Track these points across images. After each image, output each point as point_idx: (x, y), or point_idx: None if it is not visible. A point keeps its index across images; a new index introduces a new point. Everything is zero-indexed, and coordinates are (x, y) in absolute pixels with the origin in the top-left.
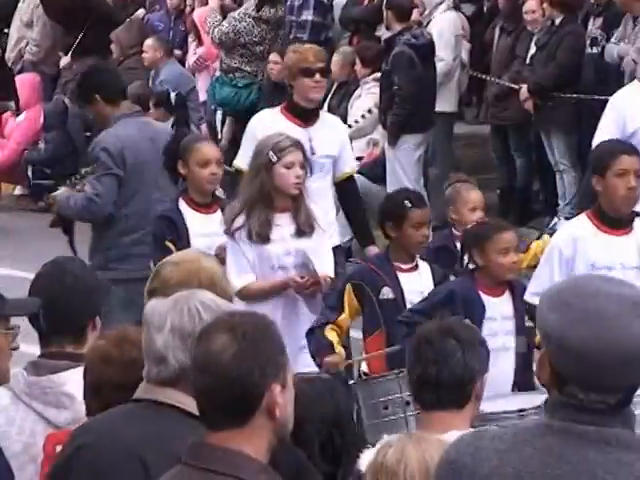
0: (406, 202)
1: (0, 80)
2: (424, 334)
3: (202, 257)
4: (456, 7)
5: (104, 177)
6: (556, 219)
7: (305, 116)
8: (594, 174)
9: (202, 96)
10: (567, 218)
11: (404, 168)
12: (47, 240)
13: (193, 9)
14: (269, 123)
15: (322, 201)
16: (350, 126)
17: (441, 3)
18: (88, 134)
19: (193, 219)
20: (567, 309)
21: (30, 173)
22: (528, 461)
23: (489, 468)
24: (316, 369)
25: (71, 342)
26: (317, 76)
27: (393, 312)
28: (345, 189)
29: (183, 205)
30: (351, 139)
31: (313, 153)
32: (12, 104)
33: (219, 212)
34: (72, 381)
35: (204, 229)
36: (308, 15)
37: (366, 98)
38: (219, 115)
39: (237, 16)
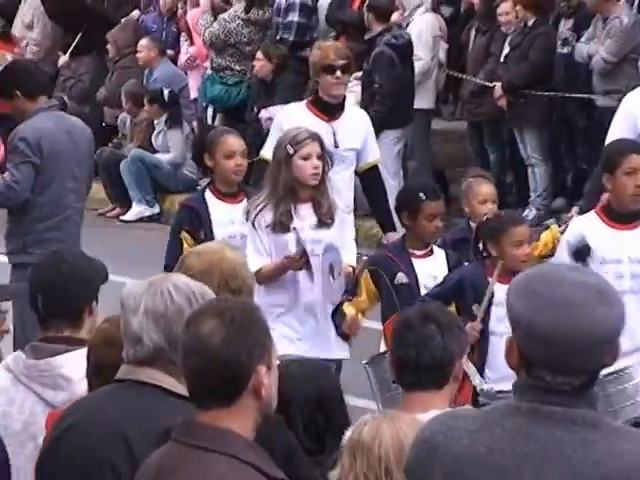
0: (421, 195)
1: None
2: (405, 319)
3: (226, 248)
4: (434, 9)
5: (22, 165)
6: (527, 210)
7: (329, 110)
8: (604, 172)
9: (193, 94)
10: (538, 209)
11: (384, 161)
12: None
13: (185, 11)
14: (295, 117)
15: (345, 192)
16: None
17: (420, 5)
18: None
19: (218, 208)
20: (535, 297)
21: None
22: (498, 440)
23: (461, 447)
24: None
25: (68, 326)
26: (338, 73)
27: (408, 296)
28: (370, 178)
29: (209, 195)
30: None
31: (337, 146)
32: None
33: (244, 202)
34: (69, 364)
35: (228, 218)
36: (294, 17)
37: (349, 96)
38: (210, 111)
39: (227, 18)
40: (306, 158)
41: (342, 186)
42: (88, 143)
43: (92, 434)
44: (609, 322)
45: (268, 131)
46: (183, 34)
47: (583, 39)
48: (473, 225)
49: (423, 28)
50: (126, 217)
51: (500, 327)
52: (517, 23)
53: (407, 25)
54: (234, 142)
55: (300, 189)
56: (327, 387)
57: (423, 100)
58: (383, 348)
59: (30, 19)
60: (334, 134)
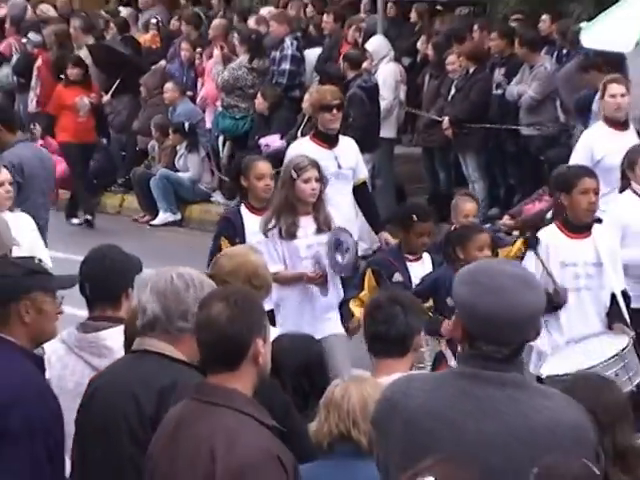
0: (414, 216)
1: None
2: (377, 302)
3: (250, 252)
4: (396, 59)
5: None
6: None
7: (329, 140)
8: (562, 192)
9: (208, 125)
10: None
11: None
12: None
13: (202, 61)
14: (304, 148)
15: (348, 203)
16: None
17: (385, 57)
18: (123, 153)
19: (250, 220)
20: (476, 285)
21: None
22: (447, 398)
23: (417, 403)
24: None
25: (110, 308)
26: (334, 111)
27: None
28: (362, 191)
29: (244, 209)
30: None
31: (340, 167)
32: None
33: None
34: (110, 337)
35: (258, 227)
36: (286, 65)
37: None
38: (221, 139)
39: (235, 66)
40: (306, 181)
41: (345, 204)
42: (52, 168)
43: (111, 394)
44: (533, 304)
45: (267, 155)
46: (200, 79)
47: (513, 82)
48: None
49: (387, 74)
50: (154, 222)
51: None
52: (461, 71)
53: (375, 72)
54: (264, 167)
55: (301, 205)
56: (313, 357)
57: (387, 131)
58: None
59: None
60: (336, 158)
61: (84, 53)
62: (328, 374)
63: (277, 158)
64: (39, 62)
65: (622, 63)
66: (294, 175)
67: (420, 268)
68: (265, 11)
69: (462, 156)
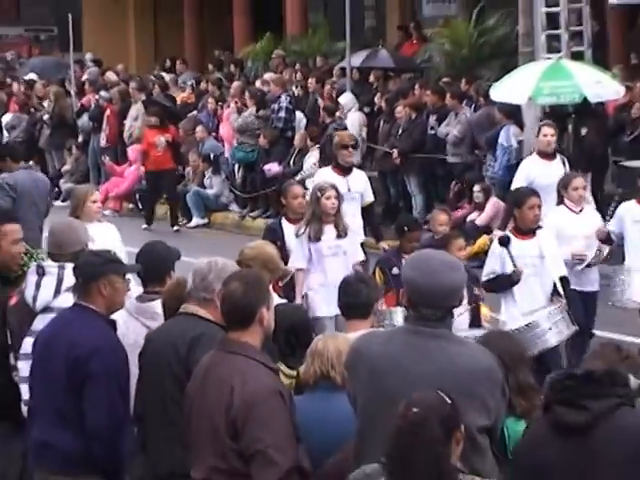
0: (405, 227)
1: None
2: (346, 280)
3: (267, 245)
4: (360, 109)
5: (6, 197)
6: None
7: (345, 171)
8: (515, 206)
9: (227, 155)
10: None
11: None
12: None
13: (222, 112)
14: (327, 175)
15: (356, 218)
16: (304, 172)
17: (352, 108)
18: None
19: (289, 228)
20: (417, 267)
21: (137, 195)
22: (398, 348)
23: (376, 352)
24: None
25: (158, 285)
26: (350, 149)
27: (399, 283)
28: (368, 211)
29: (284, 220)
30: (304, 179)
31: (350, 190)
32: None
33: None
34: (158, 306)
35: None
36: (282, 114)
37: (312, 156)
38: (236, 166)
39: (246, 115)
40: (328, 198)
41: (355, 215)
42: (45, 188)
43: (158, 345)
44: (456, 281)
45: (270, 177)
46: (221, 124)
47: (442, 125)
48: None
49: (354, 120)
50: (189, 225)
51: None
52: (405, 117)
53: (345, 118)
54: (297, 190)
55: (324, 216)
56: (297, 320)
57: (354, 159)
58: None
59: (136, 113)
60: (347, 182)
61: (138, 106)
62: (311, 333)
63: (276, 178)
64: (108, 112)
65: (519, 112)
66: (318, 194)
67: None
68: (267, 76)
69: (407, 177)
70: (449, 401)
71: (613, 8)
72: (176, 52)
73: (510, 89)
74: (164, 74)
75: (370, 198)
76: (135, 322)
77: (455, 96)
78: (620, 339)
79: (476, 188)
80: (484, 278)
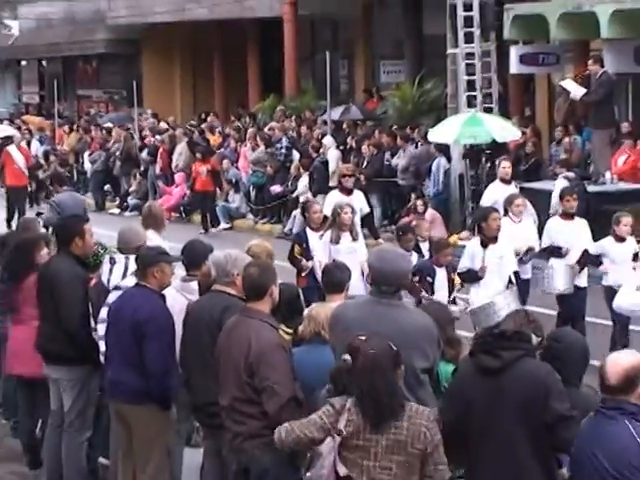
0: (400, 232)
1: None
2: (326, 267)
3: (265, 242)
4: (337, 148)
5: (51, 214)
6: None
7: (348, 192)
8: (482, 220)
9: (244, 180)
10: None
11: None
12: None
13: (241, 149)
14: (336, 195)
15: (356, 225)
16: (298, 191)
17: (331, 146)
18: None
19: (311, 234)
20: (379, 257)
21: (182, 208)
22: (365, 314)
23: (350, 317)
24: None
25: (195, 270)
26: (348, 177)
27: None
28: (367, 218)
29: (308, 229)
30: (298, 196)
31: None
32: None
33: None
34: (195, 285)
35: (315, 239)
36: (282, 151)
37: (303, 180)
38: (251, 187)
39: (258, 151)
40: (346, 214)
41: (357, 224)
42: (82, 204)
43: (199, 312)
44: (405, 268)
45: (274, 195)
46: (240, 158)
47: (394, 158)
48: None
49: (333, 155)
50: (218, 228)
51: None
52: (369, 153)
53: (326, 154)
54: (317, 207)
55: (343, 226)
56: (292, 295)
57: (332, 182)
58: None
59: (180, 151)
60: (352, 202)
61: (183, 145)
62: (300, 304)
63: (278, 196)
64: (161, 150)
65: (448, 149)
66: (339, 210)
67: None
68: (272, 124)
69: (370, 195)
70: (394, 348)
71: (513, 76)
72: (209, 107)
73: (441, 133)
74: (197, 123)
75: (367, 210)
76: (180, 296)
77: (403, 138)
78: (544, 312)
79: (419, 202)
80: (459, 270)
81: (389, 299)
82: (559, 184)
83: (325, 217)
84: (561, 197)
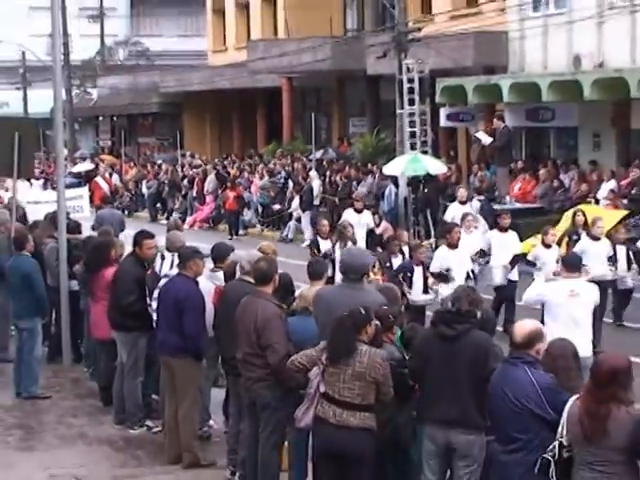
0: (387, 240)
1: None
2: (309, 262)
3: (272, 245)
4: (319, 177)
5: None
6: None
7: (359, 211)
8: (447, 233)
9: (254, 200)
10: None
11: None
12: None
13: (252, 180)
14: (350, 214)
15: (363, 237)
16: (292, 209)
17: (315, 178)
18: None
19: (322, 242)
20: (347, 254)
21: (211, 220)
22: (338, 294)
23: (329, 296)
24: None
25: (221, 264)
26: (357, 202)
27: (389, 269)
28: (370, 232)
29: (319, 238)
30: (291, 212)
31: (360, 222)
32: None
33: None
34: (221, 274)
35: (326, 245)
36: (281, 180)
37: (296, 201)
38: (259, 206)
39: (264, 180)
40: (347, 230)
41: (363, 238)
42: (119, 217)
43: (228, 294)
44: (366, 261)
45: (275, 211)
46: (252, 185)
47: (359, 186)
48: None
49: (316, 184)
50: (238, 234)
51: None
52: (342, 182)
53: (312, 182)
54: (324, 222)
55: (345, 238)
56: (287, 281)
57: (315, 201)
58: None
59: (210, 180)
60: (360, 218)
61: (212, 176)
62: (293, 287)
63: (278, 212)
64: (196, 179)
65: (396, 179)
66: (342, 229)
67: (396, 260)
68: (274, 161)
69: (342, 213)
70: (363, 311)
71: (442, 128)
72: (229, 150)
73: (392, 168)
74: (221, 161)
75: (372, 225)
76: (209, 282)
77: (365, 172)
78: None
79: (375, 217)
80: (431, 270)
81: (355, 284)
82: (475, 204)
83: (331, 229)
84: (498, 215)
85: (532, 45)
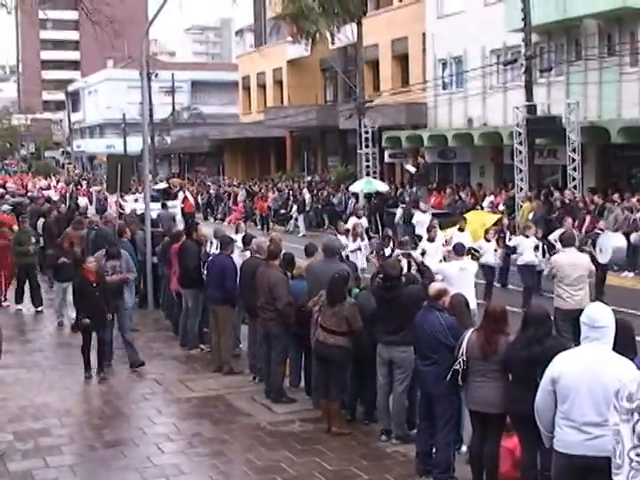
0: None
1: None
2: (306, 246)
3: (279, 234)
4: (309, 193)
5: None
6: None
7: (359, 217)
8: (428, 232)
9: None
10: (329, 227)
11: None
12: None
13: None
14: (353, 219)
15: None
16: (293, 213)
17: (306, 193)
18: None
19: (340, 238)
20: (326, 241)
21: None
22: (321, 266)
23: (316, 267)
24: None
25: (247, 247)
26: (359, 212)
27: (384, 258)
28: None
29: (338, 235)
30: (296, 218)
31: (362, 224)
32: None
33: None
34: (248, 253)
35: (341, 242)
36: (287, 195)
37: (295, 208)
38: (273, 211)
39: (275, 196)
40: (356, 229)
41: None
42: (171, 215)
43: (248, 264)
44: (339, 246)
45: (282, 214)
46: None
47: (334, 199)
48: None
49: (307, 197)
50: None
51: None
52: (324, 196)
53: (305, 196)
54: (342, 223)
55: (355, 235)
56: (289, 257)
57: (307, 208)
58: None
59: (240, 194)
60: (361, 222)
61: (243, 191)
62: (294, 261)
63: (284, 215)
64: (232, 194)
65: (357, 195)
66: (356, 226)
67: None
68: (280, 184)
69: (324, 215)
70: (345, 273)
71: (386, 164)
72: (253, 175)
73: (355, 187)
74: (248, 183)
75: (366, 225)
76: (239, 258)
77: (339, 190)
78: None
79: (341, 222)
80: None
81: (331, 260)
82: (399, 211)
83: (347, 229)
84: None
85: (442, 111)
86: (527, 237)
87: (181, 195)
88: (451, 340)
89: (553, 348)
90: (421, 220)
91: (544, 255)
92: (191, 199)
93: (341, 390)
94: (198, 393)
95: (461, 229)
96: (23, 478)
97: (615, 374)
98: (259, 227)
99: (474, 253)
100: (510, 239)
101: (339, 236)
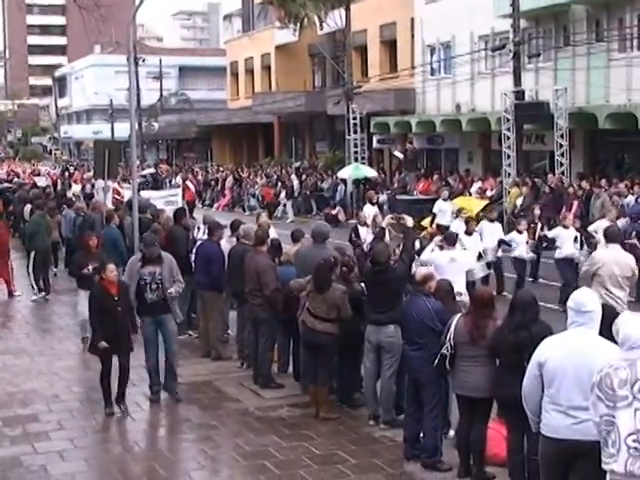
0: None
1: None
2: (293, 231)
3: (267, 219)
4: (297, 179)
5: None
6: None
7: (373, 205)
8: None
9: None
10: (317, 214)
11: None
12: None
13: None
14: (369, 207)
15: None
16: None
17: (295, 179)
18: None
19: (360, 228)
20: (315, 226)
21: (231, 204)
22: (309, 251)
23: (304, 253)
24: None
25: (235, 233)
26: (374, 195)
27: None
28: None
29: (358, 225)
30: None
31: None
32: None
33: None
34: (235, 239)
35: (363, 231)
36: (273, 180)
37: (283, 194)
38: (260, 196)
39: (263, 181)
40: (365, 219)
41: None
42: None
43: (235, 250)
44: (327, 231)
45: (270, 200)
46: (255, 184)
47: (323, 183)
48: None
49: (296, 183)
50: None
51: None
52: (312, 182)
53: (293, 182)
54: (362, 214)
55: (364, 224)
56: (276, 243)
57: (295, 194)
58: None
59: (229, 181)
60: (375, 209)
61: (230, 178)
62: (282, 248)
63: (272, 201)
64: (220, 180)
65: (346, 181)
66: (377, 215)
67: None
68: (269, 169)
69: (312, 201)
70: (332, 259)
71: (374, 149)
72: (240, 161)
73: (343, 173)
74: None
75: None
76: (227, 244)
77: (326, 176)
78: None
79: (328, 208)
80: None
81: (320, 245)
82: (383, 197)
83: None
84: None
85: (430, 97)
86: (566, 228)
87: (179, 181)
88: (438, 325)
89: (540, 333)
90: (444, 209)
91: (581, 247)
92: (192, 188)
93: (329, 375)
94: (186, 379)
95: (491, 220)
96: (11, 464)
97: (601, 358)
98: (247, 213)
99: (505, 246)
100: (542, 229)
101: (360, 228)
